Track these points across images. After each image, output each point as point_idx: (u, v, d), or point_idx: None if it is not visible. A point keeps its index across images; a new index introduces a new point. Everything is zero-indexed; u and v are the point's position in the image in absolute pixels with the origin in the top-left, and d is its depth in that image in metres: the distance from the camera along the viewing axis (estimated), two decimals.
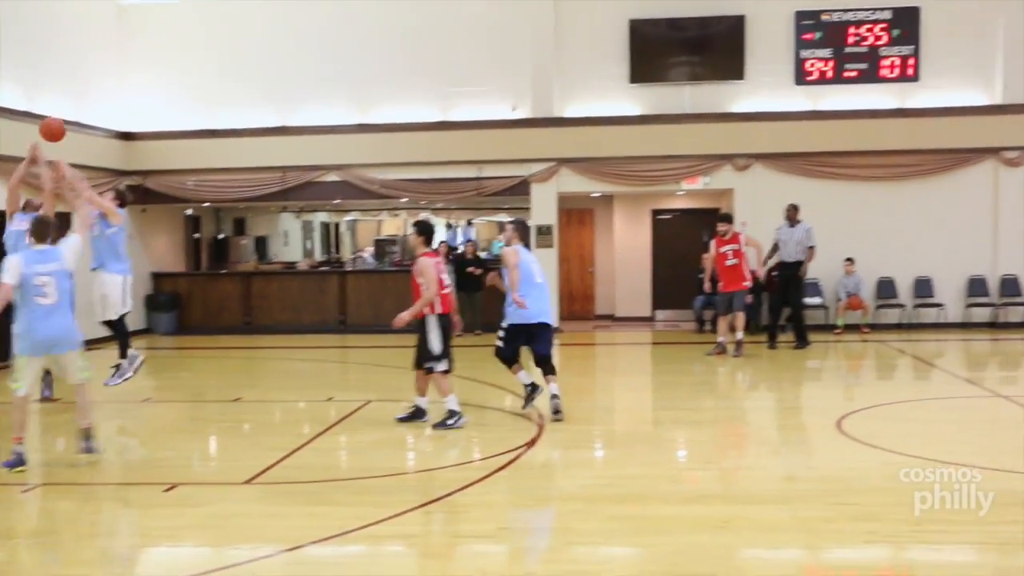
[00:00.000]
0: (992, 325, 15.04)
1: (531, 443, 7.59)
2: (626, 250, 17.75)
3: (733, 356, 12.25)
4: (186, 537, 5.50)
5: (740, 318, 12.41)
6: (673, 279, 16.97)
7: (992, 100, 15.06)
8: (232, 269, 17.32)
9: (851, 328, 14.81)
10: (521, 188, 15.82)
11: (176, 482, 6.49)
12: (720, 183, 15.59)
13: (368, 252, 18.39)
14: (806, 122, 15.26)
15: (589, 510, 5.87)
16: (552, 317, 8.85)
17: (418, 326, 7.90)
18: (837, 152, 15.19)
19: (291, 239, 18.93)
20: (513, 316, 8.24)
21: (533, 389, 8.43)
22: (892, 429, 8.08)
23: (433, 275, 7.78)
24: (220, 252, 18.07)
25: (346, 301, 16.39)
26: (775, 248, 13.25)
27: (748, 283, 12.41)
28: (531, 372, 8.74)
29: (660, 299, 17.47)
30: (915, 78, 15.11)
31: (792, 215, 13.12)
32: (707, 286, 13.16)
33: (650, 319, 17.52)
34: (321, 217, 19.02)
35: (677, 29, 15.48)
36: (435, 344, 7.84)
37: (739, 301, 12.35)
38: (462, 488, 6.33)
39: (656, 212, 17.62)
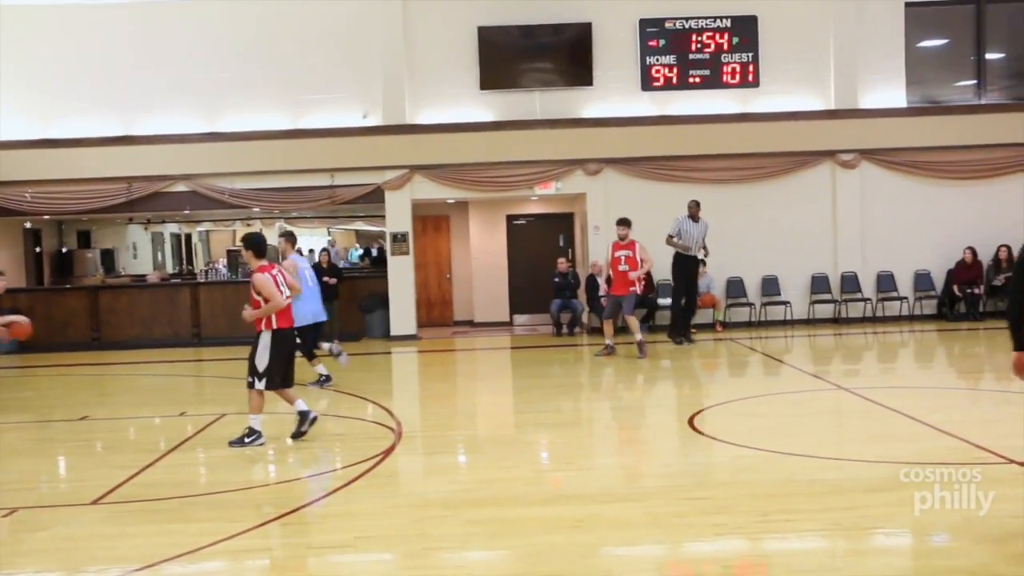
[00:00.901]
0: (835, 320, 16.22)
1: (388, 451, 7.76)
2: (482, 256, 18.30)
3: (639, 358, 12.74)
4: (28, 563, 5.37)
5: (633, 321, 13.09)
6: (530, 284, 17.63)
7: (827, 105, 16.22)
8: (77, 283, 17.25)
9: (705, 327, 15.72)
10: (375, 196, 16.22)
11: (16, 506, 6.34)
12: (572, 188, 16.31)
13: (222, 263, 18.51)
14: (653, 127, 16.10)
15: (446, 515, 5.98)
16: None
17: (254, 337, 7.96)
18: (684, 156, 16.09)
19: (140, 251, 18.78)
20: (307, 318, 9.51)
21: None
22: (742, 424, 8.53)
23: (272, 287, 7.81)
24: (64, 266, 17.92)
25: (200, 313, 16.48)
26: (670, 238, 13.87)
27: (636, 288, 12.94)
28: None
29: (517, 304, 18.11)
30: (755, 84, 16.16)
31: (695, 211, 14.00)
32: (603, 288, 13.92)
33: (508, 324, 18.11)
34: (171, 228, 18.94)
35: (526, 36, 16.13)
36: (260, 361, 7.90)
37: (628, 305, 12.98)
38: (319, 499, 6.52)
39: (511, 217, 18.24)
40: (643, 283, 13.27)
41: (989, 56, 16.90)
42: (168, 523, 5.96)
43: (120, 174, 15.90)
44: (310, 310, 10.54)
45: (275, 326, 7.89)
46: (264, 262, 7.98)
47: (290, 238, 11.43)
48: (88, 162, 15.75)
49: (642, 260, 12.81)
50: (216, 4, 15.96)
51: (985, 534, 5.20)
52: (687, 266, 14.01)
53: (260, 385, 7.93)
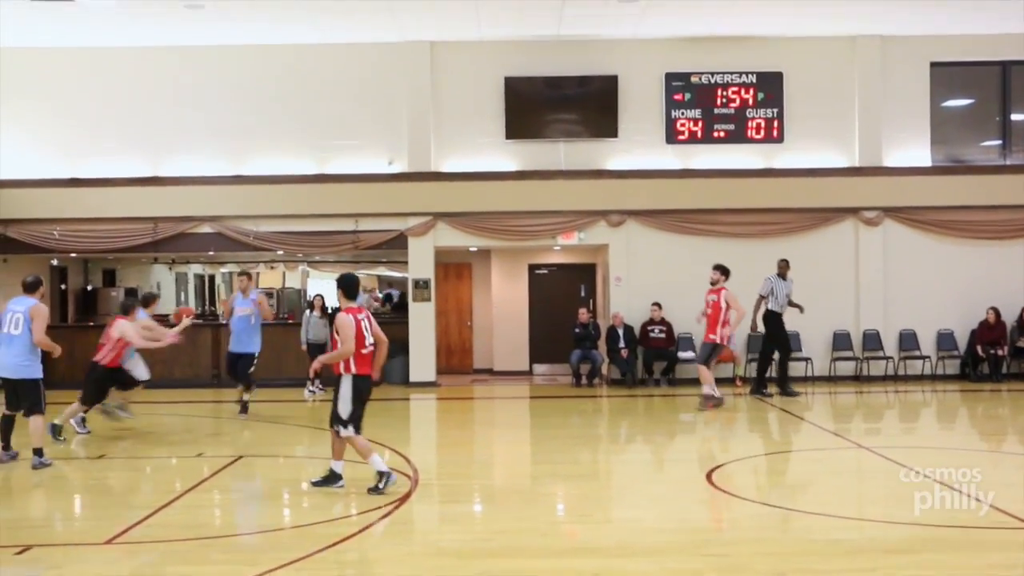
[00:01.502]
0: (856, 378, 16.15)
1: (404, 499, 7.77)
2: (504, 304, 18.37)
3: (699, 409, 12.98)
4: None
5: (702, 371, 13.07)
6: (550, 334, 17.70)
7: (851, 162, 16.31)
8: (101, 321, 17.36)
9: (725, 381, 15.58)
10: (399, 242, 16.36)
11: (30, 543, 6.40)
12: (595, 239, 16.40)
13: None
14: (677, 180, 16.23)
15: (460, 565, 6.01)
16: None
17: (335, 383, 7.84)
18: (707, 209, 16.17)
19: (164, 291, 18.94)
20: None
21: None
22: (761, 481, 8.57)
23: (351, 332, 7.61)
24: (88, 304, 18.12)
25: (220, 355, 16.44)
26: (761, 299, 14.20)
27: (714, 336, 12.90)
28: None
29: (537, 353, 18.15)
30: (780, 139, 16.27)
31: (784, 269, 14.43)
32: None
33: (528, 373, 18.16)
34: (195, 269, 19.17)
35: (552, 87, 16.32)
36: (343, 407, 7.77)
37: (700, 353, 13.22)
38: (334, 544, 6.45)
39: (533, 267, 18.35)
40: (726, 334, 13.09)
41: (1015, 117, 16.98)
42: (181, 564, 5.99)
43: (146, 214, 16.10)
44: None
45: (354, 371, 7.73)
46: (353, 304, 7.83)
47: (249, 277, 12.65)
48: (115, 202, 15.98)
49: (727, 307, 12.89)
50: (244, 49, 16.17)
51: None
52: (777, 323, 14.26)
53: (348, 431, 7.81)
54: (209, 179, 16.17)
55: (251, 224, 16.33)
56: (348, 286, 7.95)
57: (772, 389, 14.40)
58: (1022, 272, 16.20)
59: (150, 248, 16.66)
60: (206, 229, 16.36)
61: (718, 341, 12.94)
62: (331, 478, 7.98)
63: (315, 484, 8.05)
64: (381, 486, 7.78)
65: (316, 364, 8.04)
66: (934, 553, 6.10)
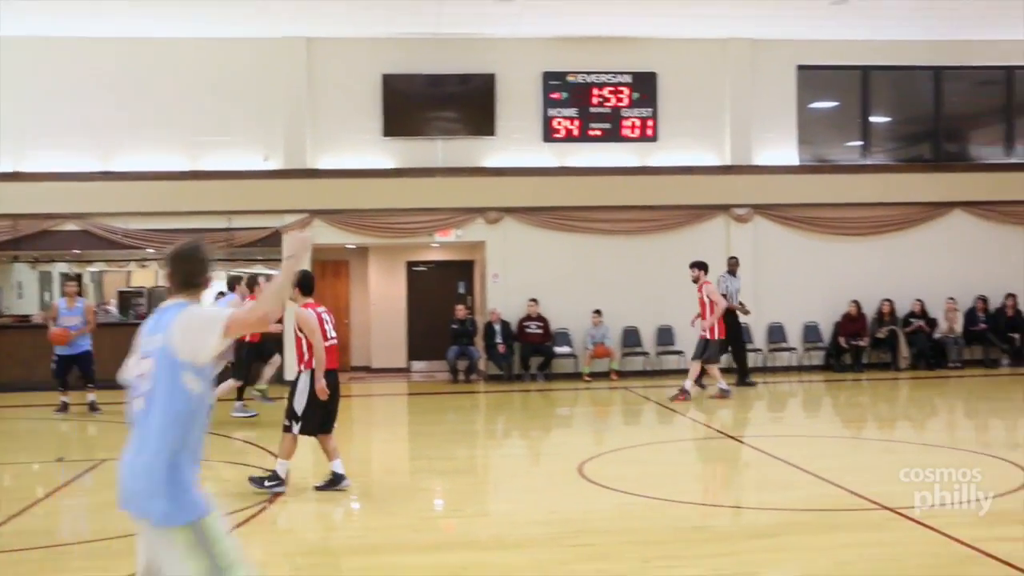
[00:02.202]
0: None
1: (275, 497, 7.80)
2: (381, 301, 18.56)
3: (671, 398, 13.44)
4: None
5: (693, 366, 13.56)
6: (428, 330, 17.93)
7: (722, 161, 16.96)
8: None
9: (600, 375, 16.20)
10: (274, 239, 16.22)
11: None
12: (472, 236, 16.67)
13: (112, 305, 18.37)
14: (554, 177, 16.60)
15: (329, 563, 6.17)
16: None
17: (293, 381, 7.86)
18: (583, 207, 16.59)
19: (26, 290, 18.54)
20: None
21: None
22: (630, 472, 8.88)
23: (314, 325, 7.68)
24: None
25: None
26: (725, 298, 14.38)
27: (704, 333, 13.33)
28: None
29: (415, 350, 18.39)
30: (654, 138, 16.79)
31: (734, 267, 15.15)
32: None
33: (406, 370, 18.40)
34: (61, 267, 18.75)
35: (430, 85, 16.55)
36: (299, 403, 7.77)
37: (695, 349, 13.58)
38: None
39: (411, 264, 18.58)
40: (710, 327, 13.39)
41: (874, 119, 18.03)
42: (39, 572, 5.98)
43: (5, 211, 15.73)
44: None
45: (316, 366, 7.72)
46: (311, 299, 7.87)
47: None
48: None
49: (711, 302, 13.25)
50: (113, 42, 15.88)
51: None
52: (731, 321, 14.52)
53: (295, 429, 7.79)
54: (75, 175, 15.83)
55: (120, 222, 16.07)
56: (305, 282, 7.90)
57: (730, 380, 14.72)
58: (881, 267, 17.15)
59: (10, 247, 16.29)
60: (71, 227, 16.04)
61: (708, 336, 13.33)
62: (334, 480, 7.98)
63: (319, 489, 8.01)
64: (267, 484, 7.83)
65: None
66: (793, 536, 6.53)
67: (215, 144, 16.24)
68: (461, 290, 18.53)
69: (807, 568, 6.00)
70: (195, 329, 3.63)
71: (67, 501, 8.23)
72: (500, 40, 16.52)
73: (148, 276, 19.34)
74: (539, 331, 16.15)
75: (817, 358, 17.00)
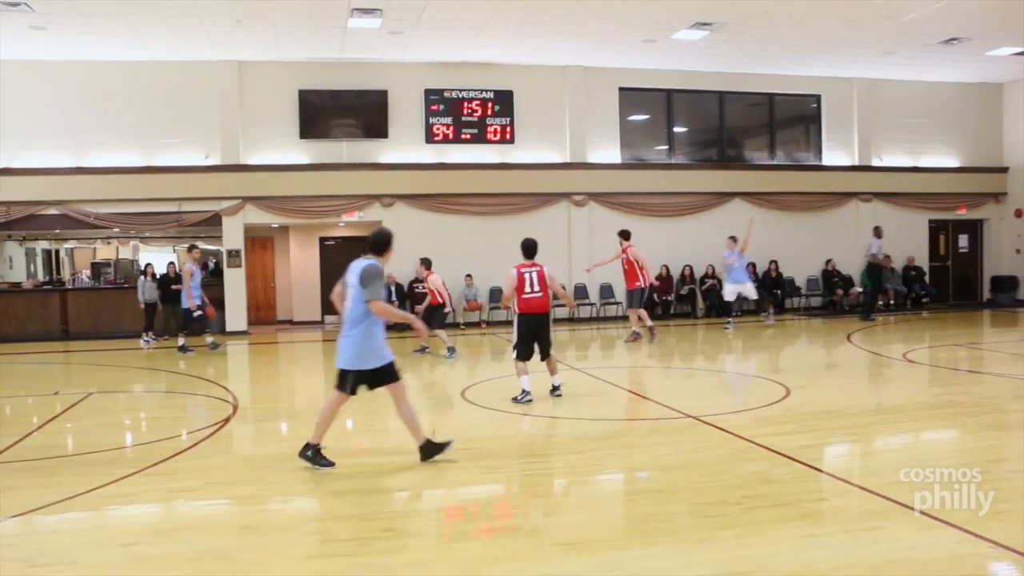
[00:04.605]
0: (570, 319, 20.70)
1: (226, 420, 8.79)
2: (300, 269, 21.57)
3: (649, 342, 15.12)
4: None
5: (632, 313, 15.57)
6: None
7: (564, 159, 20.89)
8: None
9: (473, 325, 19.90)
10: (214, 220, 19.38)
11: None
12: (371, 217, 19.94)
13: (85, 273, 20.93)
14: (434, 171, 20.04)
15: (276, 466, 6.88)
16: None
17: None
18: (458, 194, 20.17)
19: (16, 263, 20.87)
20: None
21: None
22: (499, 396, 9.74)
23: (513, 283, 9.48)
24: None
25: (67, 313, 19.30)
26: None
27: (639, 283, 15.20)
28: None
29: (327, 306, 19.87)
30: (512, 141, 20.49)
31: (880, 232, 18.97)
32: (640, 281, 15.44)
33: (320, 322, 21.29)
34: (43, 244, 21.04)
35: (336, 98, 19.63)
36: (513, 338, 9.61)
37: (630, 299, 15.60)
38: (174, 455, 7.23)
39: (323, 239, 21.73)
40: (648, 279, 15.46)
41: (677, 129, 22.05)
42: (46, 477, 6.54)
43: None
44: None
45: (516, 311, 9.50)
46: (526, 261, 9.68)
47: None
48: None
49: (637, 262, 15.32)
50: (83, 64, 18.52)
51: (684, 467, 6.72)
52: (876, 272, 19.54)
53: (514, 355, 9.50)
54: (55, 170, 18.37)
55: (91, 207, 18.86)
56: (529, 249, 9.95)
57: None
58: (683, 240, 21.26)
59: (3, 228, 19.05)
60: (52, 211, 18.79)
61: (643, 285, 15.10)
62: (554, 389, 9.66)
63: (515, 401, 9.32)
64: (519, 398, 9.24)
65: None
66: (621, 438, 7.79)
67: (166, 145, 19.06)
68: None
69: (632, 461, 7.04)
70: (368, 276, 6.42)
71: (67, 424, 8.93)
72: (392, 63, 19.43)
73: (111, 251, 21.93)
74: (424, 291, 18.54)
75: None
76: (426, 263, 15.02)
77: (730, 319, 18.34)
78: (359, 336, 6.65)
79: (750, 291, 17.87)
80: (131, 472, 6.75)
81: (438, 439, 7.10)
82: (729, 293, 18.01)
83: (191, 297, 15.51)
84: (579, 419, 8.67)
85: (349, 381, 6.80)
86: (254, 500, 6.27)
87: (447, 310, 15.24)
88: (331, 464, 6.88)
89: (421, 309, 15.16)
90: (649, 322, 15.58)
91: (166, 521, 5.92)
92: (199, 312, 15.68)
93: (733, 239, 17.54)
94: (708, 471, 6.66)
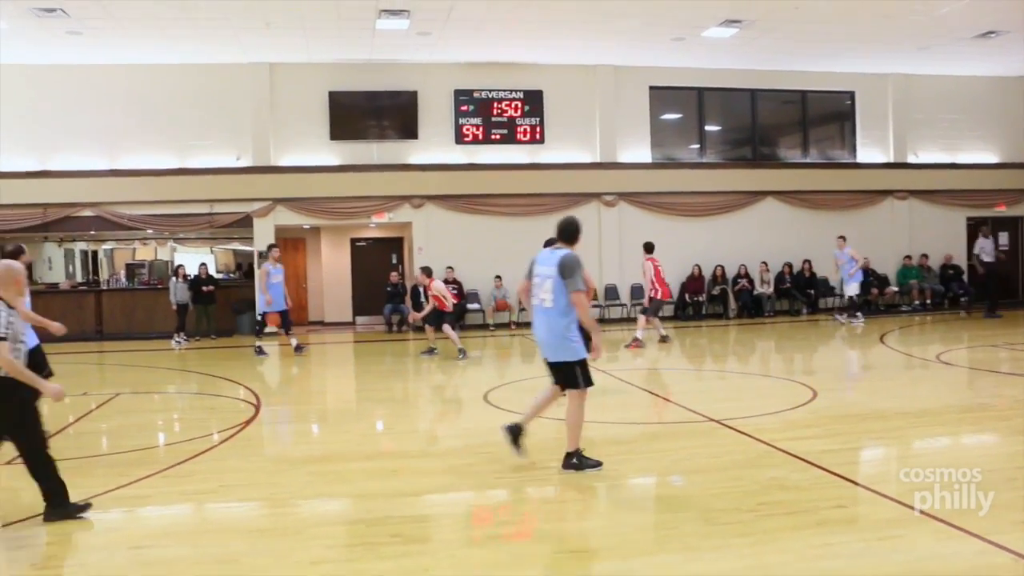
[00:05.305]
0: (601, 320, 20.49)
1: (249, 421, 8.93)
2: (331, 270, 21.66)
3: (625, 346, 15.13)
4: None
5: (641, 319, 15.83)
6: (368, 292, 20.99)
7: (594, 159, 20.79)
8: None
9: (502, 326, 19.84)
10: (246, 222, 19.55)
11: None
12: (401, 218, 20.10)
13: (122, 274, 21.15)
14: (464, 172, 20.06)
15: (292, 469, 6.91)
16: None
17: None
18: (487, 195, 20.15)
19: (54, 264, 21.19)
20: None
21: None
22: (523, 398, 9.27)
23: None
24: None
25: (102, 314, 19.54)
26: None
27: (654, 293, 15.37)
28: None
29: (358, 307, 21.48)
30: (541, 141, 20.43)
31: (987, 232, 20.24)
32: (654, 292, 15.65)
33: (352, 324, 21.28)
34: (81, 246, 21.31)
35: (366, 99, 19.55)
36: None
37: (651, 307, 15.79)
38: (192, 457, 7.36)
39: (354, 240, 21.80)
40: (659, 291, 15.68)
41: (708, 128, 21.86)
42: (72, 477, 6.29)
43: (37, 201, 18.82)
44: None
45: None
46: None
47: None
48: (10, 191, 18.65)
49: (655, 271, 15.68)
50: (118, 67, 18.81)
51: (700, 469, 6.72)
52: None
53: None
54: (90, 172, 18.60)
55: (126, 209, 19.14)
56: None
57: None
58: (714, 240, 21.09)
59: (41, 229, 19.32)
60: (88, 213, 19.05)
61: (656, 296, 15.43)
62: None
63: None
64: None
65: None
66: (644, 443, 7.70)
67: (198, 147, 19.28)
68: (393, 260, 21.48)
69: (652, 465, 7.04)
70: (569, 266, 6.41)
71: (93, 424, 9.12)
72: (421, 64, 19.41)
73: (149, 252, 22.12)
74: (455, 291, 19.16)
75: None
76: (426, 271, 15.17)
77: (859, 313, 18.72)
78: (573, 323, 6.70)
79: (850, 289, 18.51)
80: (148, 474, 6.84)
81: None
82: (851, 289, 18.43)
83: (269, 300, 15.72)
84: (604, 423, 8.57)
85: (586, 371, 6.83)
86: (266, 504, 6.29)
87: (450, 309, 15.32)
88: (598, 464, 6.86)
89: (421, 316, 15.35)
90: (639, 333, 15.71)
91: (176, 524, 5.96)
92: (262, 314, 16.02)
93: (842, 238, 18.60)
94: (725, 476, 6.60)
